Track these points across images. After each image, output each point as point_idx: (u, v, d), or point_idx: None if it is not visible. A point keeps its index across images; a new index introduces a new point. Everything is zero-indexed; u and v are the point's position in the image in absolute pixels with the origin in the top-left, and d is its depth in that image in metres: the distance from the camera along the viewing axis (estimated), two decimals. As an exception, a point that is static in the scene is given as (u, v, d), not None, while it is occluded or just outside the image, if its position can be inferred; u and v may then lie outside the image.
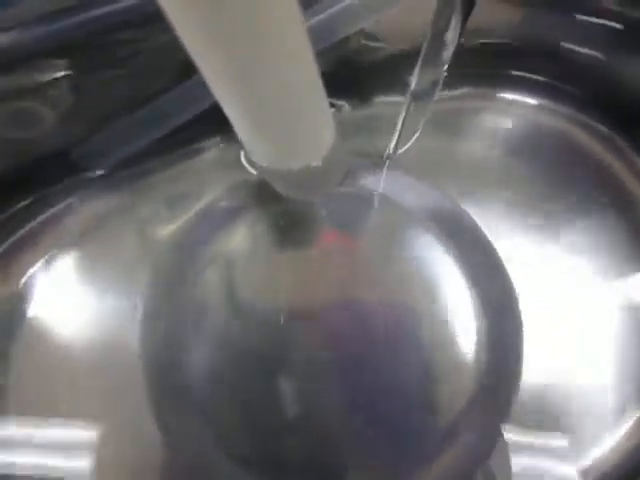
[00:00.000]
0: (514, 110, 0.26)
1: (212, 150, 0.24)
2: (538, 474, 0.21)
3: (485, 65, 0.26)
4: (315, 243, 0.23)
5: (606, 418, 0.22)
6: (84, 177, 0.23)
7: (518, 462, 0.21)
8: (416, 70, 0.20)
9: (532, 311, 0.22)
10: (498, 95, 0.26)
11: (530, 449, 0.21)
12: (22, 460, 0.20)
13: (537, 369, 0.22)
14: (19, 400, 0.21)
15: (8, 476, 0.20)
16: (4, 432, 0.20)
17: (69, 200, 0.23)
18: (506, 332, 0.22)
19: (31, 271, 0.22)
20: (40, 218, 0.23)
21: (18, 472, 0.20)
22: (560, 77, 0.25)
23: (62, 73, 0.19)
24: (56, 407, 0.21)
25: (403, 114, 0.22)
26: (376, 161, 0.24)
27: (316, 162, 0.16)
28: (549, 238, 0.24)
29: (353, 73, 0.24)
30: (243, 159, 0.23)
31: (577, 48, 0.24)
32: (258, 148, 0.15)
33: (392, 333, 0.22)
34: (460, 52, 0.19)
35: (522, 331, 0.22)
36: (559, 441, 0.21)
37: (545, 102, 0.26)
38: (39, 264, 0.22)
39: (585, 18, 0.23)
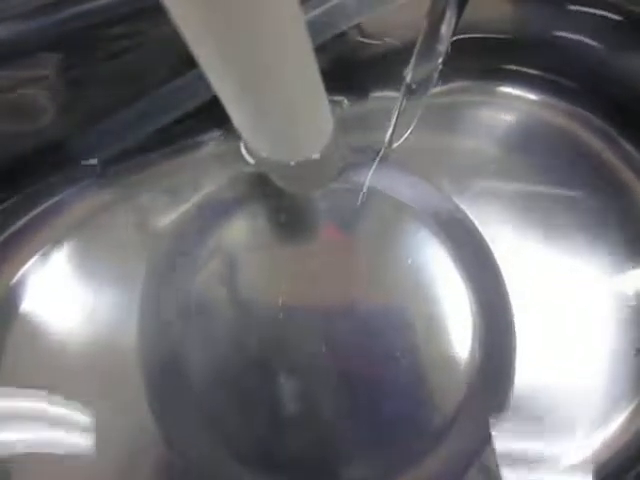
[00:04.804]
0: (512, 104, 0.26)
1: (211, 143, 0.24)
2: (532, 469, 0.21)
3: (483, 59, 0.25)
4: (312, 238, 0.23)
5: (600, 413, 0.22)
6: (80, 170, 0.23)
7: (513, 455, 0.21)
8: (411, 64, 0.20)
9: (528, 307, 0.22)
10: (496, 89, 0.26)
11: (525, 443, 0.21)
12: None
13: (533, 365, 0.22)
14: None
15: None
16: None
17: (65, 193, 0.23)
18: (499, 327, 0.22)
19: (27, 265, 0.22)
20: (36, 211, 0.23)
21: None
22: (558, 71, 0.25)
23: (58, 66, 0.19)
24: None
25: (398, 108, 0.22)
26: (373, 156, 0.24)
27: (314, 155, 0.16)
28: (545, 234, 0.24)
29: (350, 69, 0.24)
30: (243, 149, 0.23)
31: (575, 42, 0.24)
32: (257, 141, 0.15)
33: (388, 329, 0.22)
34: (457, 46, 0.19)
35: (514, 327, 0.22)
36: (553, 435, 0.22)
37: (543, 96, 0.26)
38: (35, 258, 0.22)
39: (583, 10, 0.23)
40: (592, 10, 0.22)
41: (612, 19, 0.23)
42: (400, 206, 0.23)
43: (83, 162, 0.23)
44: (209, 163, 0.24)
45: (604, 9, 0.22)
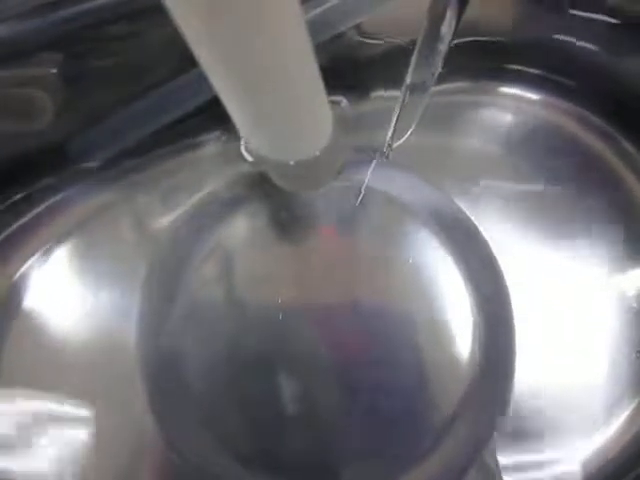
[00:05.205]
0: (512, 104, 0.26)
1: (211, 143, 0.24)
2: (533, 469, 0.21)
3: (484, 59, 0.25)
4: (313, 237, 0.23)
5: (600, 414, 0.22)
6: (81, 170, 0.23)
7: (513, 458, 0.21)
8: (411, 64, 0.20)
9: (528, 307, 0.22)
10: (496, 89, 0.26)
11: (525, 443, 0.21)
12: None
13: (533, 366, 0.22)
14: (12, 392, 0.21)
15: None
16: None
17: (66, 193, 0.23)
18: (500, 327, 0.22)
19: (28, 264, 0.22)
20: (37, 211, 0.23)
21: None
22: (559, 71, 0.25)
23: (58, 66, 0.19)
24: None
25: (398, 108, 0.22)
26: (373, 156, 0.24)
27: (314, 155, 0.16)
28: (546, 233, 0.24)
29: (351, 68, 0.24)
30: (243, 148, 0.23)
31: (576, 42, 0.24)
32: (257, 140, 0.15)
33: (388, 329, 0.22)
34: (458, 46, 0.19)
35: (515, 327, 0.22)
36: (554, 435, 0.22)
37: (544, 96, 0.26)
38: (36, 257, 0.22)
39: (583, 12, 0.23)
40: (592, 13, 0.23)
41: (611, 21, 0.23)
42: (400, 206, 0.23)
43: (83, 162, 0.23)
44: (209, 163, 0.24)
45: (604, 13, 0.22)
